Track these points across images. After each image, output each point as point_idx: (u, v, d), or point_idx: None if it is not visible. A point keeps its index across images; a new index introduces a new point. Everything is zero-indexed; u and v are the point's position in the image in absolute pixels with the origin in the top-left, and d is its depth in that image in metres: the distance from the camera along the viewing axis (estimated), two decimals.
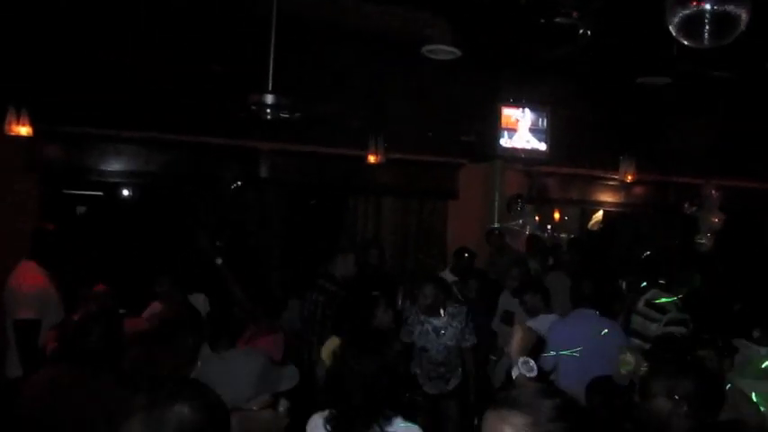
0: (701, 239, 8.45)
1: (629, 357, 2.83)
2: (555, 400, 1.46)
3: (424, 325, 5.07)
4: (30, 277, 4.60)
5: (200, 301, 5.27)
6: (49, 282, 4.65)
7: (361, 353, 2.45)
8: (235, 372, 2.00)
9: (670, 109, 7.76)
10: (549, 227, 10.29)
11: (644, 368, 2.82)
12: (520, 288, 5.57)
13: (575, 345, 4.22)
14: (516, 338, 2.38)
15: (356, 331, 3.51)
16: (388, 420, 2.36)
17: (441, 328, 5.04)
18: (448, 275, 6.34)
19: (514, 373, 2.30)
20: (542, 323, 4.65)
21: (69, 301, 4.82)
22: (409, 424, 2.39)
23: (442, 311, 5.02)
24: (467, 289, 6.03)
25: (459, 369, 5.20)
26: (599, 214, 10.51)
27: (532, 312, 5.13)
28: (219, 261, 4.84)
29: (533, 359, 2.34)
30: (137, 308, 5.00)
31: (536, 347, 2.56)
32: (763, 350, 3.91)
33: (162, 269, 5.39)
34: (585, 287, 4.68)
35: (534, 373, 2.29)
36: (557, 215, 10.69)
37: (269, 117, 4.61)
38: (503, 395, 1.52)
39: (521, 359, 2.30)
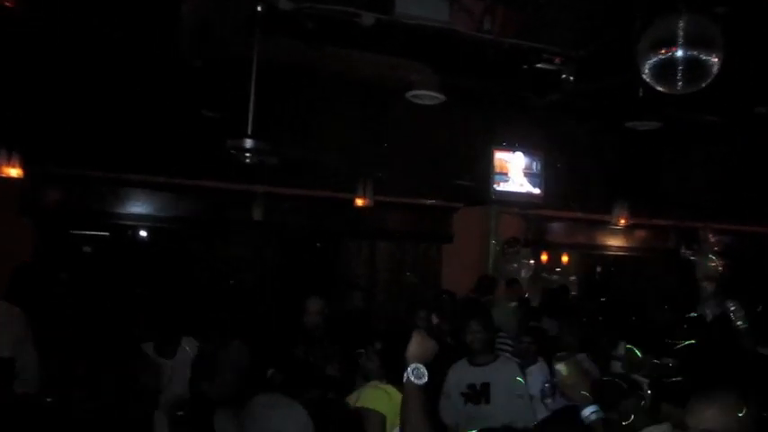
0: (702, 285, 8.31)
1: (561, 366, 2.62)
2: None
3: None
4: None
5: (190, 344, 5.24)
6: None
7: None
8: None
9: (662, 154, 7.76)
10: (557, 269, 10.26)
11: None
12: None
13: None
14: (413, 343, 2.31)
15: None
16: None
17: None
18: (434, 319, 6.24)
19: (405, 378, 2.25)
20: None
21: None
22: None
23: None
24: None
25: None
26: None
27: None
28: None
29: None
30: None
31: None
32: None
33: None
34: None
35: (423, 381, 2.23)
36: (565, 258, 10.63)
37: (248, 161, 4.68)
38: None
39: (412, 365, 2.25)
